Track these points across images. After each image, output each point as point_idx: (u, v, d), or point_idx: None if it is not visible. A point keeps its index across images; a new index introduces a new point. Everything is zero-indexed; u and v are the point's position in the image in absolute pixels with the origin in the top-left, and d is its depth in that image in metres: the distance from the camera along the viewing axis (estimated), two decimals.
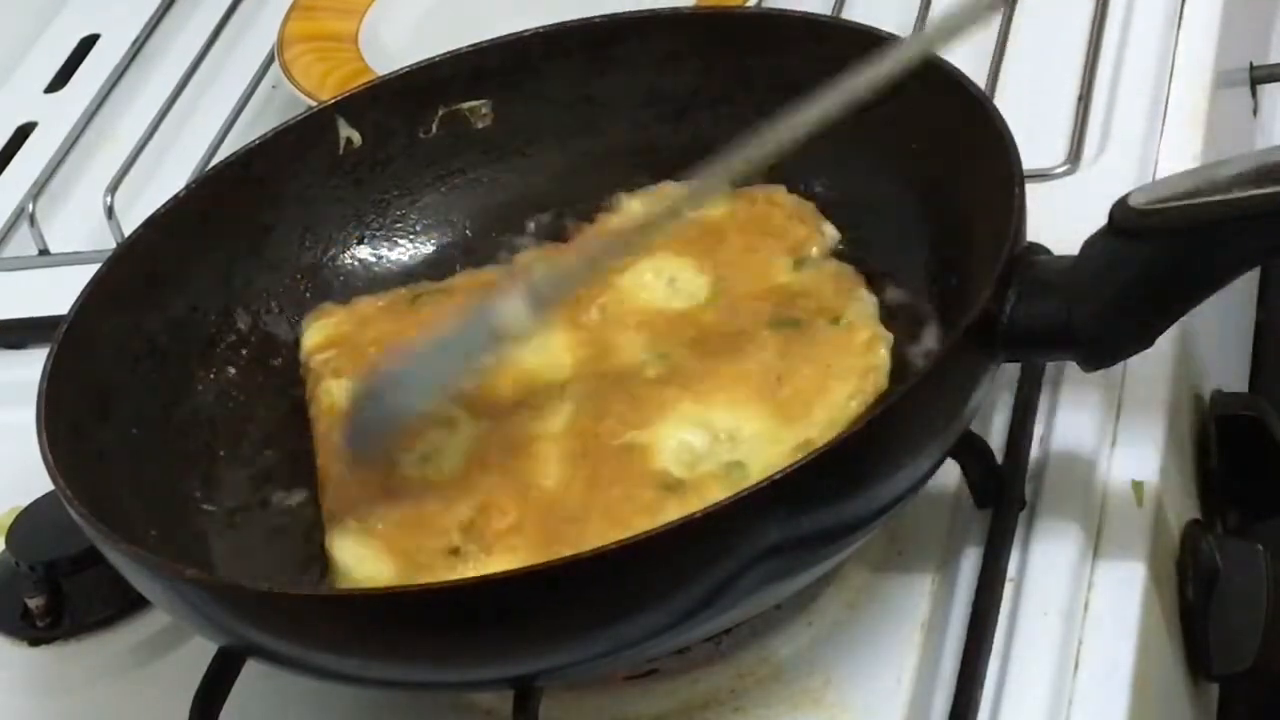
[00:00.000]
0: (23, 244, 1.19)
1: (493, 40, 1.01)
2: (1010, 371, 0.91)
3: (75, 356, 0.89)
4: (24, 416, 0.85)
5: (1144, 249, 0.80)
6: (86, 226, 1.19)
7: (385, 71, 1.08)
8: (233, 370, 0.96)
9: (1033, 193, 0.84)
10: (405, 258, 1.01)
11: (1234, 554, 0.90)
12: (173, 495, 0.90)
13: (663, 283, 0.94)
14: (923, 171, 0.91)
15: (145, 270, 0.94)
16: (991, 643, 0.82)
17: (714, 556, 0.75)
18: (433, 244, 1.01)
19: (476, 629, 0.76)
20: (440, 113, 1.01)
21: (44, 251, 1.18)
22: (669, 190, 0.97)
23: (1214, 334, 1.03)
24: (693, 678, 0.85)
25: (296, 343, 0.96)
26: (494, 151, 1.01)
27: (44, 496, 0.95)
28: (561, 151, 1.01)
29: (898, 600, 0.86)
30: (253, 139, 1.00)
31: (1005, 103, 0.90)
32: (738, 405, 0.86)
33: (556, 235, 0.99)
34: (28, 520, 0.96)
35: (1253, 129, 1.20)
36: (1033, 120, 1.03)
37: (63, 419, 0.86)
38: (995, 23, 1.12)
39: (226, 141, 1.18)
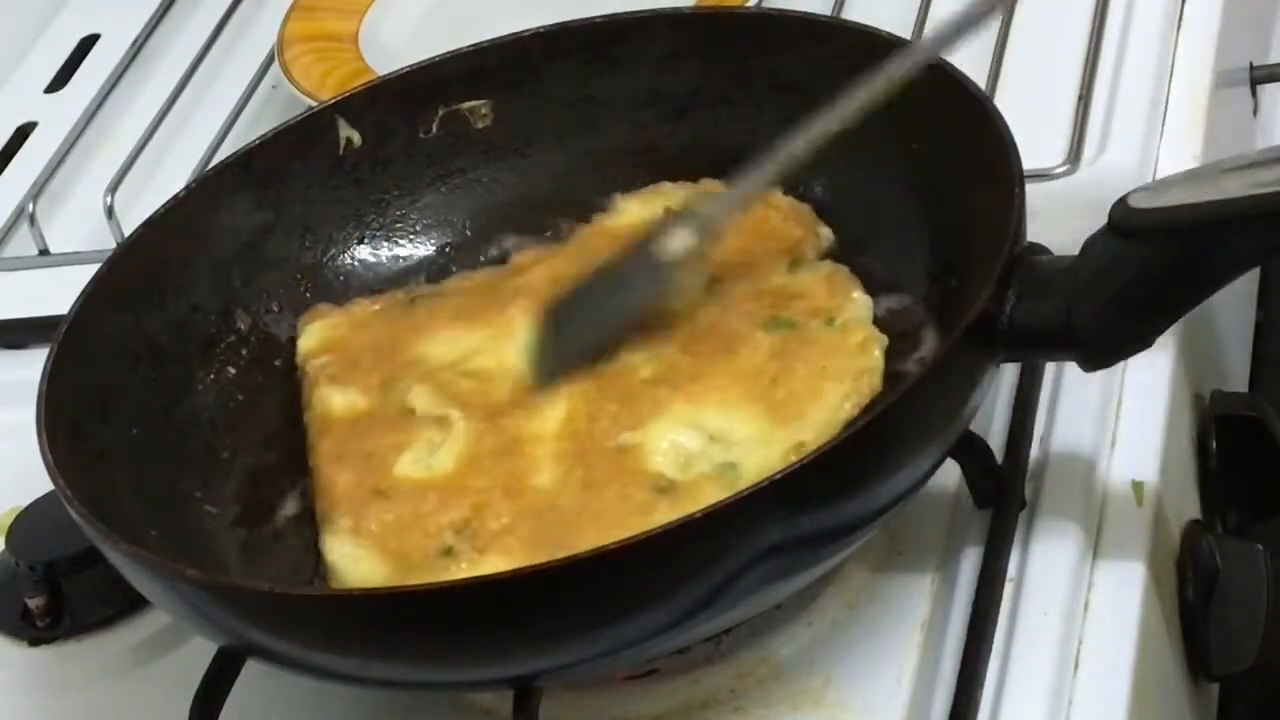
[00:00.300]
0: (23, 244, 1.19)
1: (493, 40, 1.01)
2: (1010, 371, 0.91)
3: (75, 356, 0.89)
4: (24, 416, 0.85)
5: (1144, 249, 0.80)
6: (86, 226, 1.19)
7: (385, 71, 1.08)
8: (233, 370, 0.96)
9: (1033, 193, 0.84)
10: (405, 257, 1.01)
11: (1234, 554, 0.90)
12: (173, 495, 0.90)
13: None
14: (922, 171, 0.91)
15: (145, 270, 0.94)
16: (991, 643, 0.82)
17: (714, 557, 0.75)
18: (433, 244, 1.01)
19: (476, 629, 0.76)
20: (440, 113, 1.01)
21: (44, 251, 1.18)
22: (667, 189, 0.98)
23: (1214, 334, 1.03)
24: (693, 678, 0.85)
25: (295, 342, 0.96)
26: (494, 151, 1.01)
27: (44, 496, 0.95)
28: (561, 151, 1.01)
29: (898, 600, 0.86)
30: (253, 139, 1.00)
31: (1005, 103, 0.90)
32: (731, 407, 0.86)
33: (554, 234, 0.99)
34: (28, 520, 0.96)
35: (1253, 129, 1.20)
36: (1033, 120, 1.03)
37: (63, 419, 0.86)
38: (995, 23, 1.12)
39: (226, 141, 1.18)
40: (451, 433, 0.88)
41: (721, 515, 0.74)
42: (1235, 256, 0.80)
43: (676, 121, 1.00)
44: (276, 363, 0.97)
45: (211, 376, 0.95)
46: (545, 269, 0.96)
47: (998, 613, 0.83)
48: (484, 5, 1.24)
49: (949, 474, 0.86)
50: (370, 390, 0.92)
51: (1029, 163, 0.84)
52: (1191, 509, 0.94)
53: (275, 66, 1.21)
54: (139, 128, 1.23)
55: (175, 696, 0.84)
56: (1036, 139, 1.02)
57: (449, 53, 1.01)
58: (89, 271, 0.93)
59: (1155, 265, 0.80)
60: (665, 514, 0.80)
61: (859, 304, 0.90)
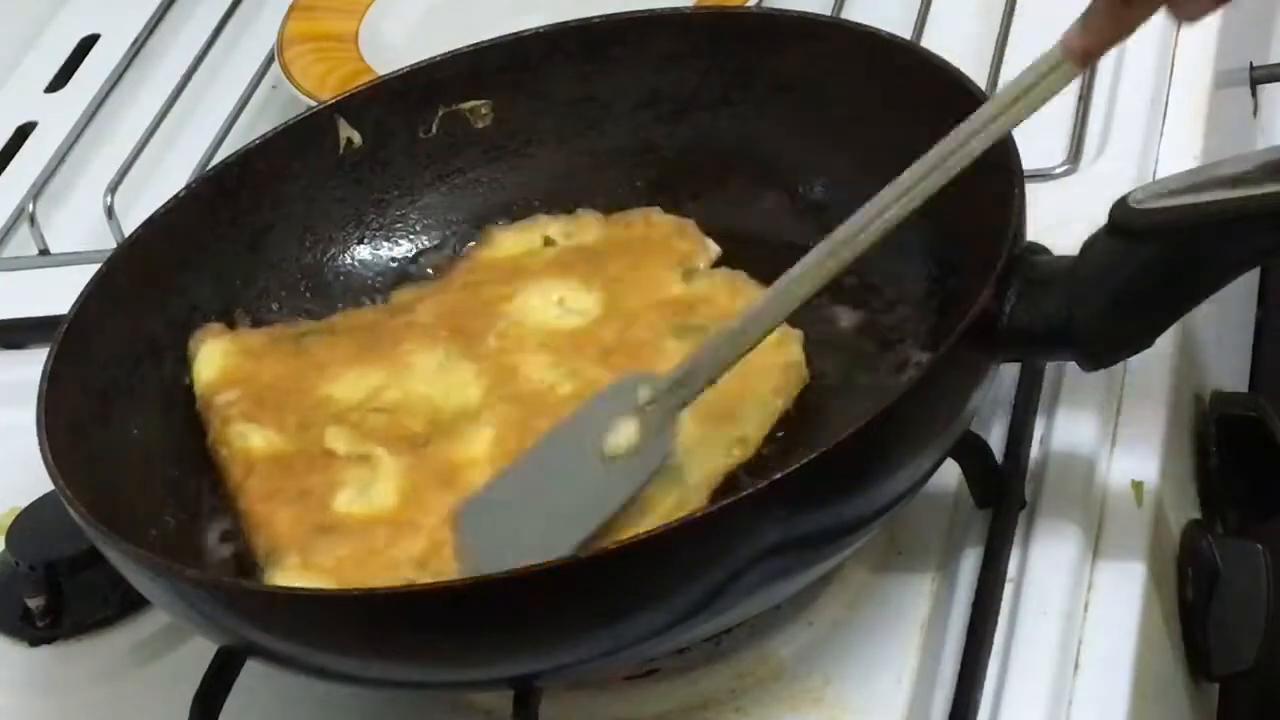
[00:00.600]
0: (23, 244, 1.19)
1: (493, 40, 1.01)
2: (1010, 371, 0.91)
3: (75, 356, 0.89)
4: (24, 416, 0.85)
5: (1144, 249, 0.80)
6: (86, 226, 1.19)
7: (385, 71, 1.08)
8: None
9: (1033, 193, 0.84)
10: (405, 257, 1.01)
11: (1234, 554, 0.90)
12: (173, 495, 0.90)
13: (551, 304, 0.93)
14: None
15: (145, 270, 0.94)
16: (991, 643, 0.82)
17: (714, 557, 0.75)
18: (433, 244, 1.01)
19: (476, 629, 0.76)
20: (440, 113, 1.01)
21: (44, 251, 1.18)
22: (543, 220, 0.97)
23: (1214, 334, 1.03)
24: (693, 678, 0.85)
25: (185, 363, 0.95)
26: (494, 151, 1.02)
27: (44, 496, 0.95)
28: (561, 151, 1.01)
29: (898, 600, 0.86)
30: (253, 139, 1.00)
31: None
32: None
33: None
34: (28, 520, 0.96)
35: (1253, 129, 1.19)
36: (1033, 120, 1.03)
37: (63, 419, 0.86)
38: (995, 23, 1.12)
39: (226, 141, 1.18)
40: (380, 469, 0.87)
41: (721, 515, 0.74)
42: (1235, 256, 0.80)
43: (676, 121, 1.00)
44: None
45: None
46: (430, 306, 0.95)
47: (998, 613, 0.83)
48: (484, 5, 1.24)
49: (949, 474, 0.86)
50: (286, 430, 0.90)
51: (1029, 163, 0.85)
52: (1191, 509, 0.94)
53: (275, 66, 1.21)
54: (139, 128, 1.22)
55: (175, 696, 0.84)
56: (1036, 139, 1.01)
57: (449, 53, 1.01)
58: (89, 271, 0.93)
59: (1155, 265, 0.80)
60: (619, 522, 0.80)
61: None
